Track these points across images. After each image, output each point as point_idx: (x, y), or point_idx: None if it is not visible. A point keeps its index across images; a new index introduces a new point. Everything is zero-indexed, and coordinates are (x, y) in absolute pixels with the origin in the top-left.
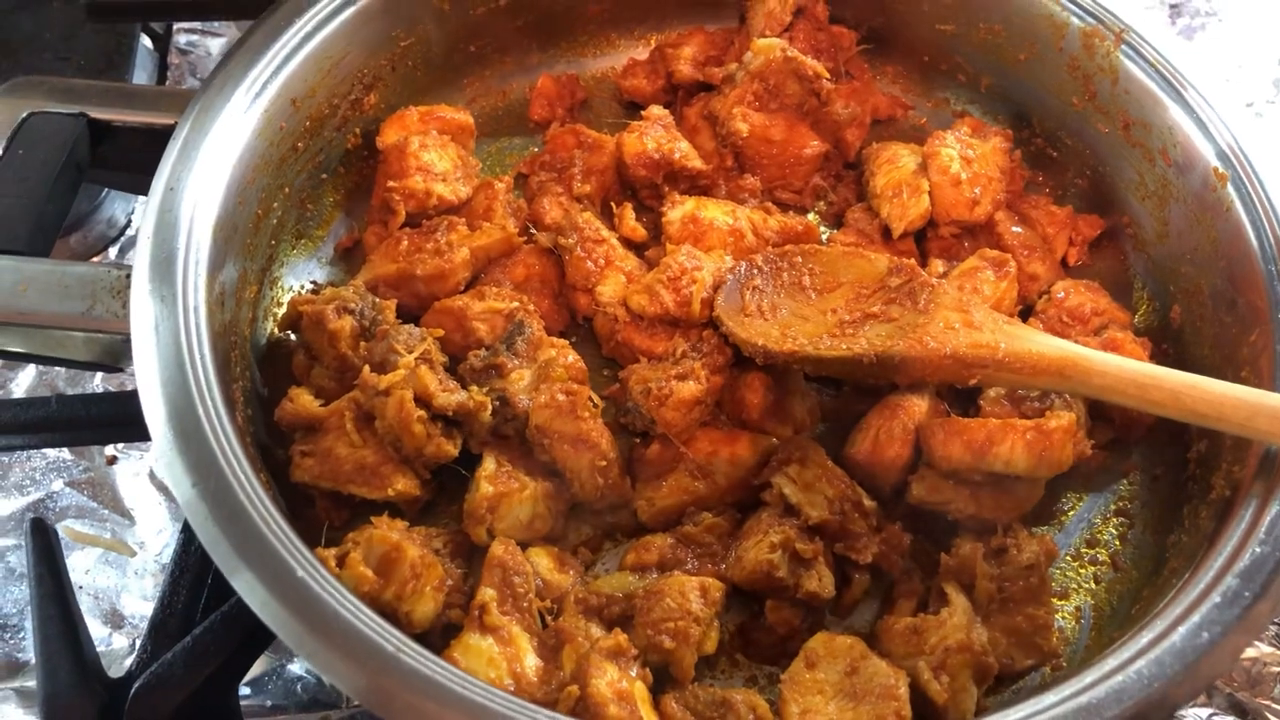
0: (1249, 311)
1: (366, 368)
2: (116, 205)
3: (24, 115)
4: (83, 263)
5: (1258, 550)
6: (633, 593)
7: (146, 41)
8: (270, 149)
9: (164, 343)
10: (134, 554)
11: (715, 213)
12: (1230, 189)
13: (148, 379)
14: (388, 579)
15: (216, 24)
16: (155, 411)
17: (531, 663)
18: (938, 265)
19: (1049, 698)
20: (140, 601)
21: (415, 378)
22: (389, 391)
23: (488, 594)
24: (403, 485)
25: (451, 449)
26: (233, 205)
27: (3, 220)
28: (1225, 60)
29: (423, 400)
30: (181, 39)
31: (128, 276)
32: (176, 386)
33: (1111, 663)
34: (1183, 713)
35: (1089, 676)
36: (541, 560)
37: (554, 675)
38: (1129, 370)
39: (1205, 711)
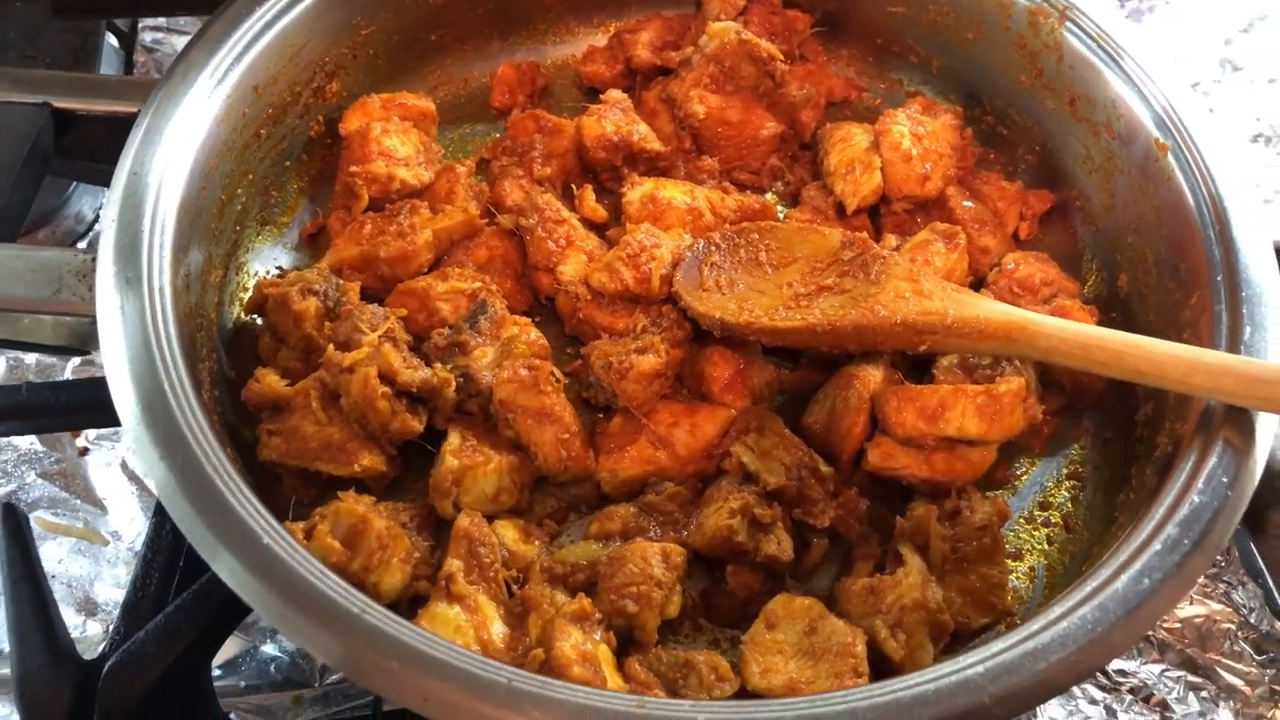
0: (1190, 276)
1: (331, 346)
2: (84, 200)
3: None
4: (48, 247)
5: (1196, 500)
6: (597, 560)
7: (112, 39)
8: (233, 135)
9: (130, 324)
10: (107, 543)
11: (674, 192)
12: (1171, 159)
13: (114, 359)
14: (355, 550)
15: (182, 21)
16: (123, 390)
17: (498, 630)
18: (891, 240)
19: (997, 644)
20: (113, 589)
21: (379, 355)
22: (353, 369)
23: (454, 564)
24: (369, 461)
25: (416, 425)
26: (196, 190)
27: None
28: (1172, 41)
29: (387, 377)
30: (147, 37)
31: (93, 260)
32: (143, 365)
33: (1057, 610)
34: (1136, 669)
35: (1036, 624)
36: (507, 532)
37: (520, 641)
38: (1073, 332)
39: (1158, 668)
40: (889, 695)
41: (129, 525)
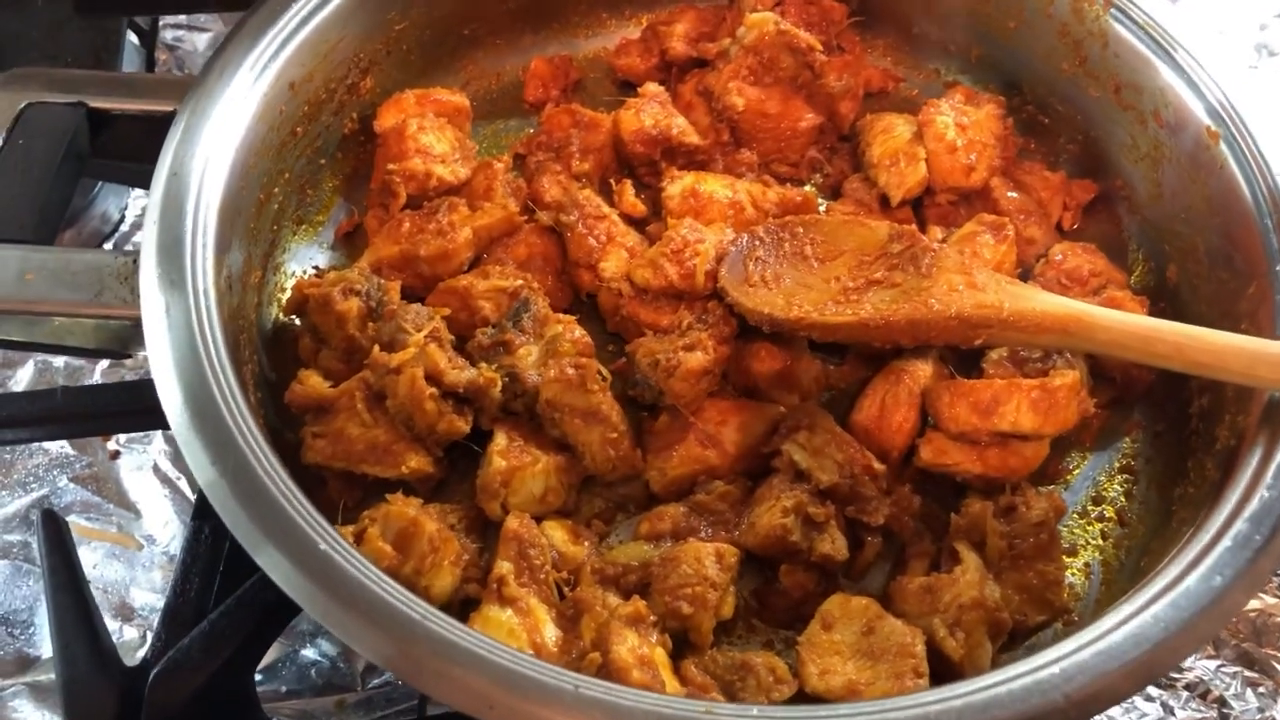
0: (1246, 265)
1: (377, 347)
2: (110, 200)
3: (22, 106)
4: (89, 250)
5: (1266, 495)
6: (648, 561)
7: (133, 38)
8: (270, 133)
9: (176, 325)
10: (141, 547)
11: (714, 186)
12: (1223, 147)
13: (162, 362)
14: (406, 554)
15: (203, 19)
16: (171, 394)
17: (551, 633)
18: (936, 232)
19: (1068, 645)
20: (150, 594)
21: (425, 356)
22: (400, 370)
23: (505, 567)
24: (416, 463)
25: (464, 425)
26: (236, 189)
27: (7, 210)
28: (1207, 25)
29: (433, 378)
30: (168, 34)
31: (134, 262)
32: (191, 368)
33: (1127, 609)
34: (1190, 664)
35: (1106, 623)
36: (556, 533)
37: (574, 645)
38: (1132, 324)
39: (1214, 663)
40: (961, 699)
41: (163, 529)
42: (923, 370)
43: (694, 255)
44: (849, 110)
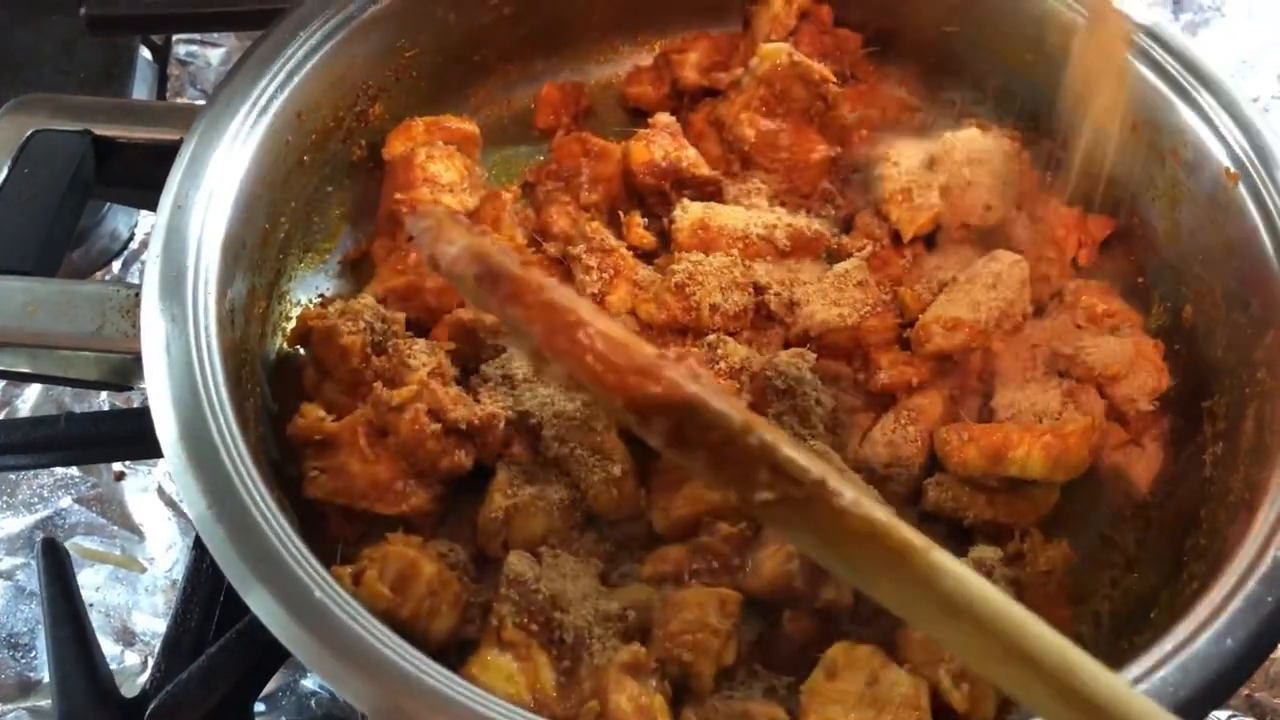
0: (1263, 311)
1: (379, 385)
2: (119, 219)
3: (28, 134)
4: (91, 282)
5: (1279, 555)
6: (650, 605)
7: (146, 53)
8: (277, 163)
9: (175, 362)
10: (144, 570)
11: (725, 220)
12: (1242, 189)
13: (160, 399)
14: (404, 596)
15: (215, 35)
16: (168, 431)
17: (550, 678)
18: (950, 269)
19: None
20: (151, 618)
21: (428, 392)
22: (402, 407)
23: (504, 609)
24: (417, 500)
25: (466, 462)
26: (240, 221)
27: (11, 240)
28: (1229, 56)
29: (436, 414)
30: (181, 50)
31: (137, 295)
32: (189, 406)
33: (1135, 670)
34: None
35: None
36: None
37: (573, 691)
38: None
39: (1224, 713)
40: None
41: (166, 552)
42: (932, 411)
43: (697, 289)
44: (862, 141)
